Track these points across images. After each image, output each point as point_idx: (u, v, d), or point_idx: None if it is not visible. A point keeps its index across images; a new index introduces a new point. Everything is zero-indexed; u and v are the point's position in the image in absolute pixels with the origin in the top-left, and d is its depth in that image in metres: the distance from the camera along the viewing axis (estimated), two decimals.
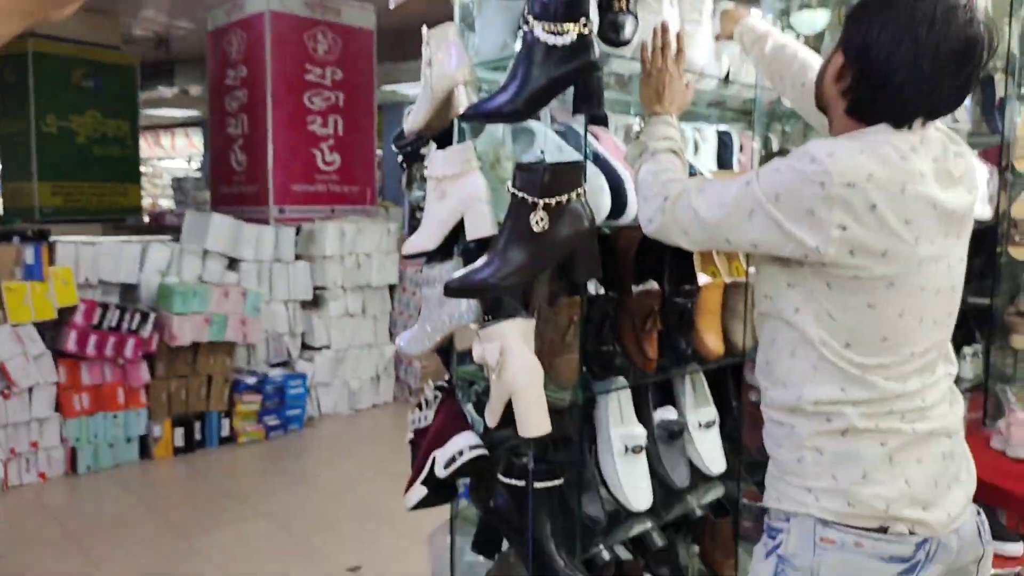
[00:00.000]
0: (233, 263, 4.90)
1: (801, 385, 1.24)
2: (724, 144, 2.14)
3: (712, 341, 1.85)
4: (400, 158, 2.35)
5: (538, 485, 1.42)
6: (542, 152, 1.46)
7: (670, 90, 1.49)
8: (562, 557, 1.40)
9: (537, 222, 1.32)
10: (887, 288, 1.18)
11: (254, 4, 5.33)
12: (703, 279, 1.86)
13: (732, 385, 2.08)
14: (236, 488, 4.09)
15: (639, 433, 1.73)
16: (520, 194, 1.33)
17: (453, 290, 1.36)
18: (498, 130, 1.64)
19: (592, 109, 1.35)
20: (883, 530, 1.20)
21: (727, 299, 1.90)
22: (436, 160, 1.56)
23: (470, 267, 1.37)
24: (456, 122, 1.66)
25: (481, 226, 1.51)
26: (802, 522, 1.24)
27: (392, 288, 5.61)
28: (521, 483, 1.43)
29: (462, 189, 1.53)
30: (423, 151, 2.21)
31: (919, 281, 1.21)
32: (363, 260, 5.35)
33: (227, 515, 3.68)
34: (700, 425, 1.94)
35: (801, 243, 1.16)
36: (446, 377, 2.26)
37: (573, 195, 1.34)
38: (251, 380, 4.79)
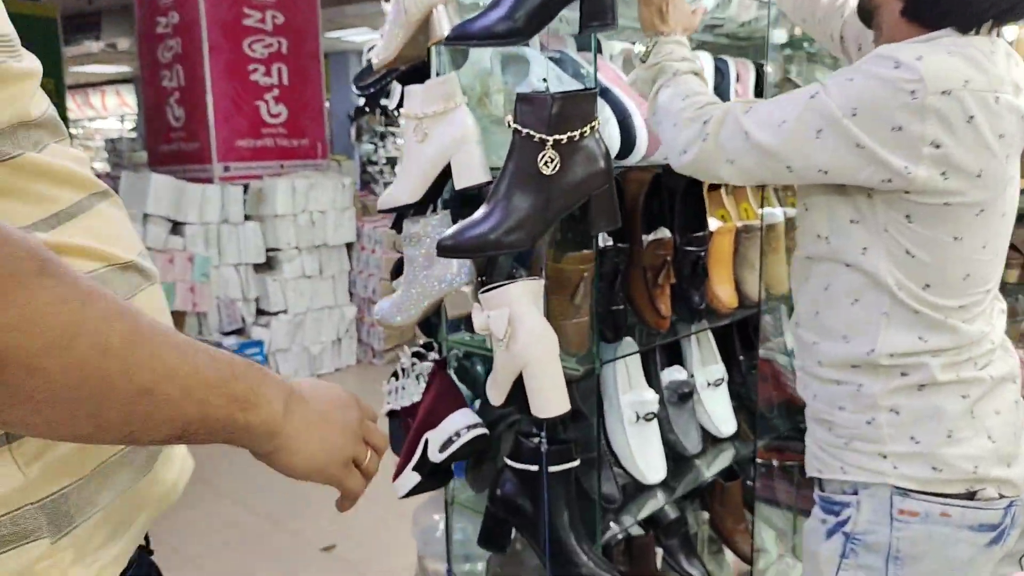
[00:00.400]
0: (177, 227, 4.56)
1: (872, 337, 1.08)
2: (720, 73, 1.94)
3: (725, 293, 1.68)
4: (362, 101, 2.07)
5: (552, 469, 1.24)
6: (544, 80, 1.23)
7: (674, 8, 1.28)
8: (584, 551, 1.22)
9: (546, 163, 1.11)
10: (976, 216, 1.02)
11: None
12: (713, 224, 1.68)
13: (738, 339, 1.92)
14: (196, 468, 3.83)
15: (650, 399, 1.56)
16: (525, 130, 1.11)
17: (447, 249, 1.14)
18: (484, 59, 1.41)
19: (605, 24, 1.13)
20: (970, 495, 1.07)
21: (738, 245, 1.72)
22: (414, 96, 1.33)
23: (467, 221, 1.15)
24: (433, 51, 1.42)
25: (472, 172, 1.30)
26: (875, 494, 1.10)
27: (350, 246, 5.33)
28: (534, 468, 1.25)
29: (447, 129, 1.30)
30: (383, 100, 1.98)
31: (1002, 206, 1.06)
32: (317, 218, 5.05)
33: (188, 497, 3.43)
34: (708, 384, 1.78)
35: (885, 165, 0.98)
36: (420, 341, 2.05)
37: (587, 129, 1.13)
38: None
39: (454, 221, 1.33)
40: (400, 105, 1.89)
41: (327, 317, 5.15)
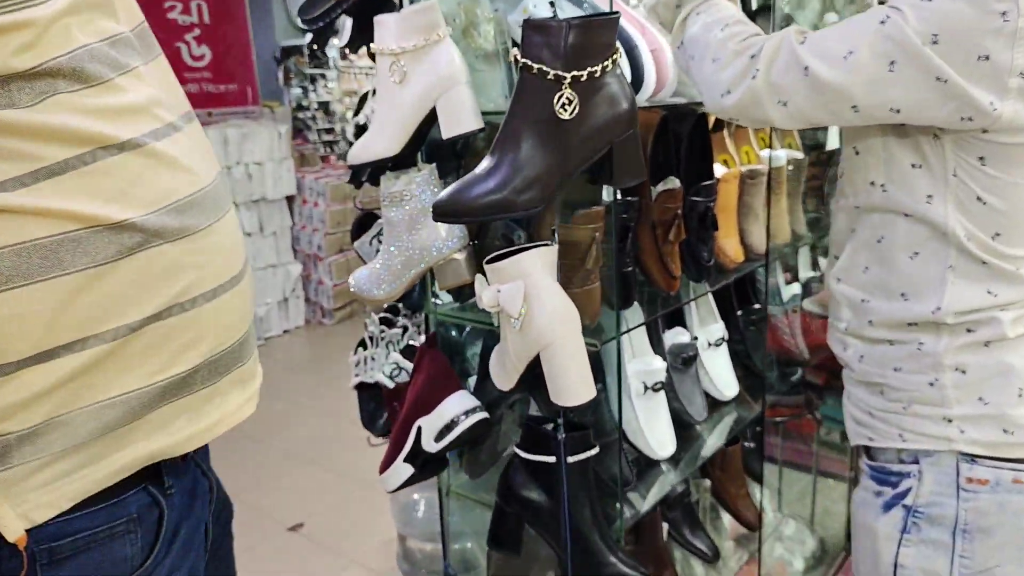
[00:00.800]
0: None
1: (936, 293, 0.97)
2: None
3: (731, 247, 1.54)
4: (309, 38, 1.82)
5: (571, 459, 1.09)
6: (552, 4, 1.03)
7: None
8: (609, 547, 1.08)
9: (564, 106, 0.92)
10: None
11: None
12: (718, 170, 1.52)
13: (734, 294, 1.79)
14: None
15: (658, 367, 1.41)
16: (536, 66, 0.92)
17: (446, 213, 0.95)
18: None
19: None
20: None
21: (742, 193, 1.57)
22: (387, 28, 1.11)
23: (467, 178, 0.96)
24: None
25: (462, 118, 1.10)
26: (939, 462, 1.00)
27: (291, 200, 5.02)
28: (550, 459, 1.09)
29: (430, 67, 1.10)
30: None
31: None
32: (254, 170, 4.71)
33: None
34: (709, 344, 1.65)
35: (968, 101, 0.85)
36: (384, 305, 1.86)
37: (608, 64, 0.94)
38: None
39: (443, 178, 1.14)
40: (350, 43, 1.66)
41: (271, 277, 4.87)
